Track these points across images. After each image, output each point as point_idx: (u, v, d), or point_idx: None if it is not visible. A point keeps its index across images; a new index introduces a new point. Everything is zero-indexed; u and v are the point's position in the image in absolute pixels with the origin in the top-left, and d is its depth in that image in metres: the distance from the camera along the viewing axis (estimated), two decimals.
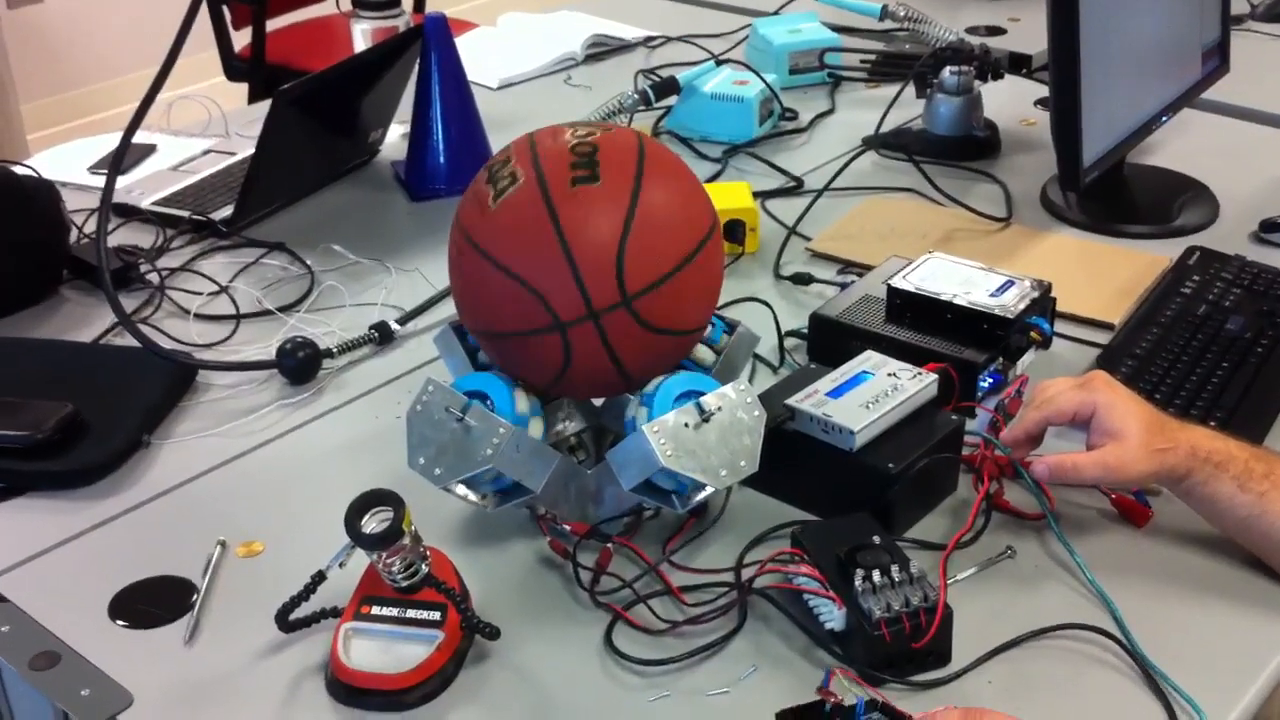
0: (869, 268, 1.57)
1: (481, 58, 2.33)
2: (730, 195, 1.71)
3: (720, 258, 1.17)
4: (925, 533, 1.18)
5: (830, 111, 2.13)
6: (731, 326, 1.24)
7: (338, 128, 1.88)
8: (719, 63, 2.05)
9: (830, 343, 1.42)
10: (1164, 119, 1.77)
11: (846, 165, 1.78)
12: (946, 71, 1.95)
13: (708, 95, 1.99)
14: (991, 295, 1.41)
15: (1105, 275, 1.61)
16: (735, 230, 1.67)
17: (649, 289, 1.08)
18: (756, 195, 1.80)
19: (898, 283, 1.44)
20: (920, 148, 1.94)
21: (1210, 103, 2.05)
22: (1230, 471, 1.11)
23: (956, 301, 1.40)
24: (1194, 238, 1.70)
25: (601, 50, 2.37)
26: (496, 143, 1.84)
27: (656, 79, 2.00)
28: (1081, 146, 1.58)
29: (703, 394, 1.10)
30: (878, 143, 1.95)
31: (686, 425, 1.08)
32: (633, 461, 1.09)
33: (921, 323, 1.41)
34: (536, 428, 1.13)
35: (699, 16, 2.56)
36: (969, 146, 1.94)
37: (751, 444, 1.10)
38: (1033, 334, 1.41)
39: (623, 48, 2.38)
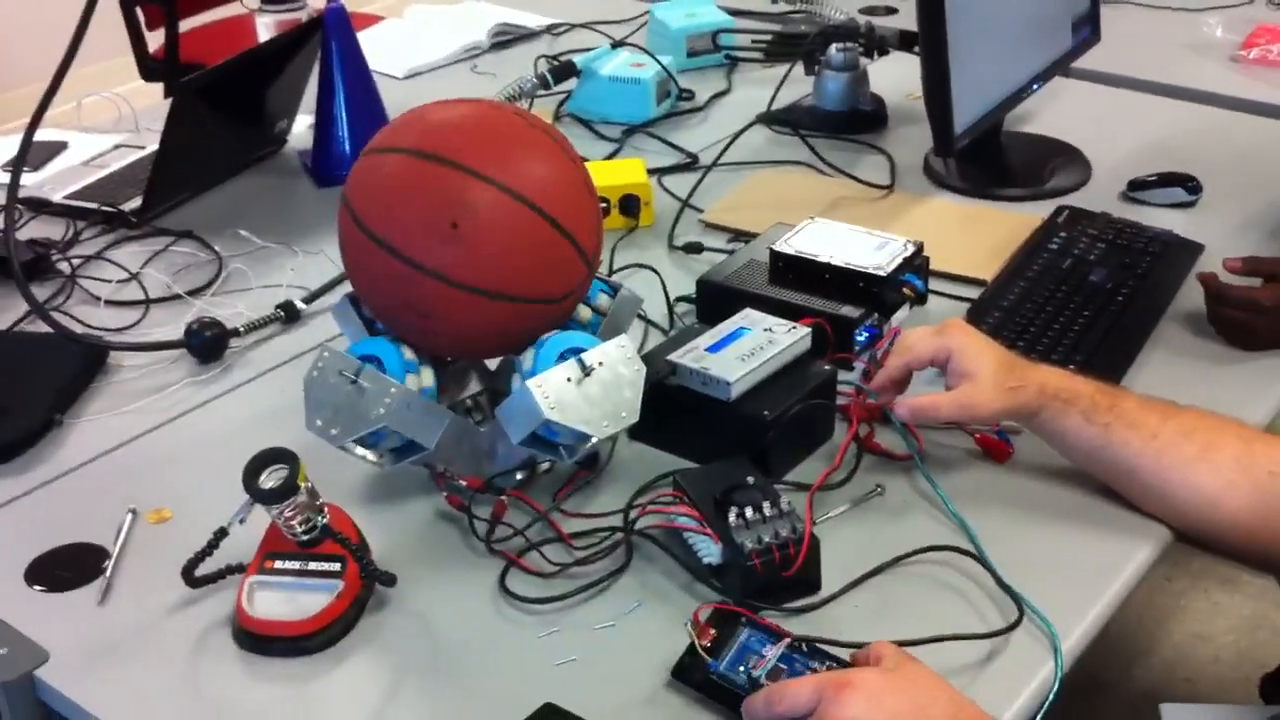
0: (758, 236, 1.64)
1: (389, 49, 2.38)
2: (625, 172, 1.78)
3: (597, 229, 1.24)
4: (802, 475, 1.26)
5: (727, 91, 2.20)
6: (615, 289, 1.31)
7: (244, 118, 1.92)
8: (615, 46, 2.11)
9: (717, 305, 1.49)
10: (1035, 87, 1.86)
11: (734, 139, 1.86)
12: (833, 49, 2.03)
13: (606, 78, 2.06)
14: (867, 256, 1.49)
15: (980, 235, 1.70)
16: (630, 204, 1.74)
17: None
18: (653, 172, 1.87)
19: (780, 247, 1.51)
20: (810, 122, 2.02)
21: (1085, 71, 2.15)
22: (1078, 406, 1.19)
23: (834, 262, 1.47)
24: (1066, 198, 1.79)
25: (506, 38, 2.43)
26: None
27: (556, 64, 2.06)
28: (952, 114, 1.66)
29: (585, 350, 1.17)
30: (770, 119, 2.03)
31: (569, 380, 1.15)
32: (519, 415, 1.15)
33: (803, 283, 1.48)
34: (428, 376, 1.19)
35: (602, 3, 2.62)
36: (857, 120, 2.03)
37: (632, 396, 1.17)
38: (906, 290, 1.49)
39: (527, 35, 2.45)
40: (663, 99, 2.09)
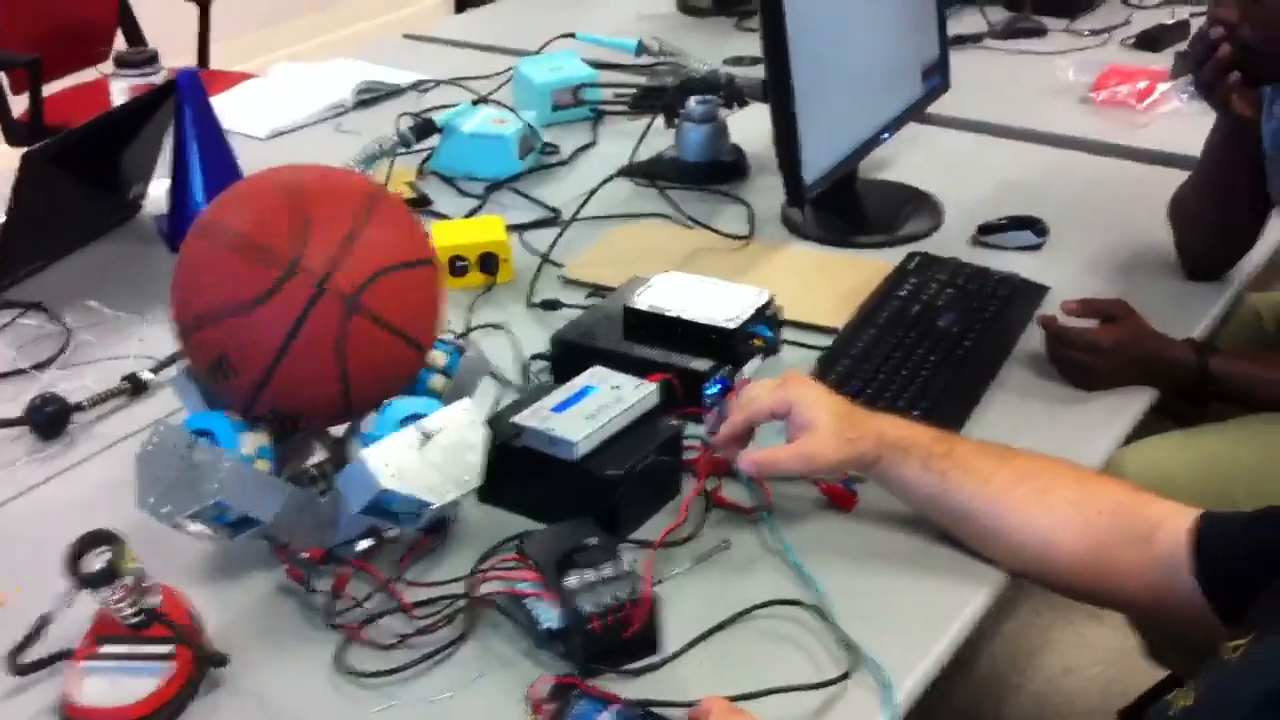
0: (615, 290, 1.65)
1: (252, 109, 2.37)
2: (484, 230, 1.78)
3: (435, 286, 1.23)
4: (650, 532, 1.26)
5: (592, 144, 2.22)
6: (461, 350, 1.31)
7: (97, 184, 1.89)
8: (477, 103, 2.12)
9: (572, 363, 1.48)
10: (886, 135, 1.90)
11: (593, 194, 1.87)
12: (692, 102, 2.05)
13: (467, 135, 2.06)
14: (718, 309, 1.50)
15: (834, 283, 1.72)
16: (488, 262, 1.74)
17: (373, 277, 1.14)
18: (515, 228, 1.87)
19: (633, 302, 1.52)
20: (672, 174, 2.04)
21: (941, 116, 2.20)
22: (915, 454, 1.21)
23: (685, 317, 1.48)
24: (919, 244, 1.83)
25: (372, 96, 2.42)
26: None
27: (417, 122, 2.05)
28: (802, 166, 1.69)
29: (426, 415, 1.16)
30: (632, 171, 2.05)
31: (409, 446, 1.14)
32: (357, 484, 1.14)
33: (656, 338, 1.49)
34: (264, 460, 1.18)
35: (469, 59, 2.62)
36: (717, 171, 2.05)
37: (475, 460, 1.17)
38: (756, 341, 1.50)
39: (393, 93, 2.44)
40: (526, 154, 2.09)
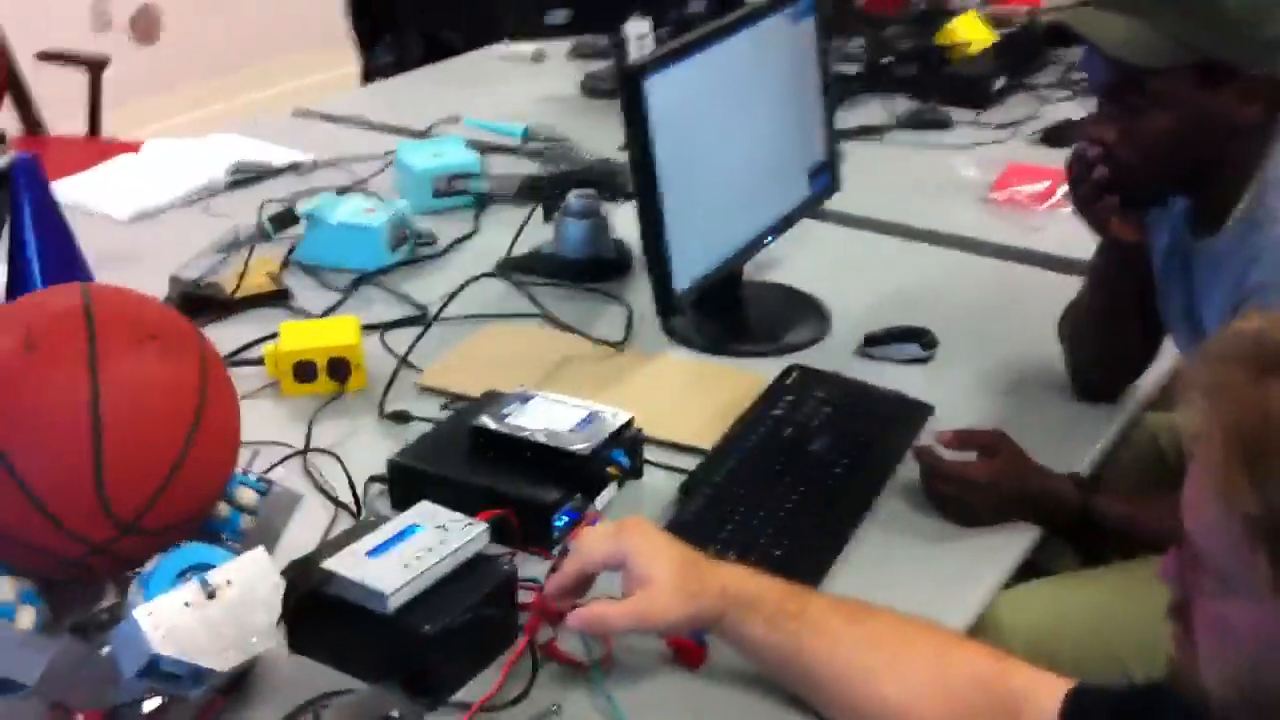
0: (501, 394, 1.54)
1: (119, 187, 2.25)
2: (335, 332, 1.66)
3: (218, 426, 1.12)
4: (474, 692, 1.14)
5: (472, 235, 2.11)
6: (268, 486, 1.19)
7: None
8: (342, 192, 2.00)
9: (411, 489, 1.37)
10: (769, 240, 1.80)
11: (456, 292, 1.77)
12: (571, 196, 1.95)
13: (334, 224, 1.95)
14: (572, 430, 1.39)
15: (709, 397, 1.62)
16: (337, 369, 1.62)
17: (141, 513, 1.03)
18: (376, 327, 1.76)
19: (482, 421, 1.41)
20: (550, 270, 1.94)
21: (838, 214, 2.12)
22: (761, 612, 1.10)
23: (535, 439, 1.37)
24: (803, 354, 1.74)
25: (246, 177, 2.30)
26: (117, 279, 1.76)
27: (281, 209, 1.94)
28: (672, 276, 1.59)
29: (211, 567, 1.04)
30: (509, 267, 1.95)
31: (187, 604, 1.01)
32: (128, 646, 1.01)
33: (504, 462, 1.38)
34: (28, 617, 1.05)
35: (358, 138, 2.52)
36: (598, 268, 1.95)
37: (266, 619, 1.05)
38: (610, 469, 1.39)
39: (269, 173, 2.32)
40: (399, 245, 1.98)
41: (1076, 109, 2.62)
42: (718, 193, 1.67)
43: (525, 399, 1.45)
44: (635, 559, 1.11)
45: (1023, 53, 2.77)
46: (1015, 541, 1.39)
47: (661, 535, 1.15)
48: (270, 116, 2.81)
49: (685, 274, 1.62)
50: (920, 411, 1.59)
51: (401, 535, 1.19)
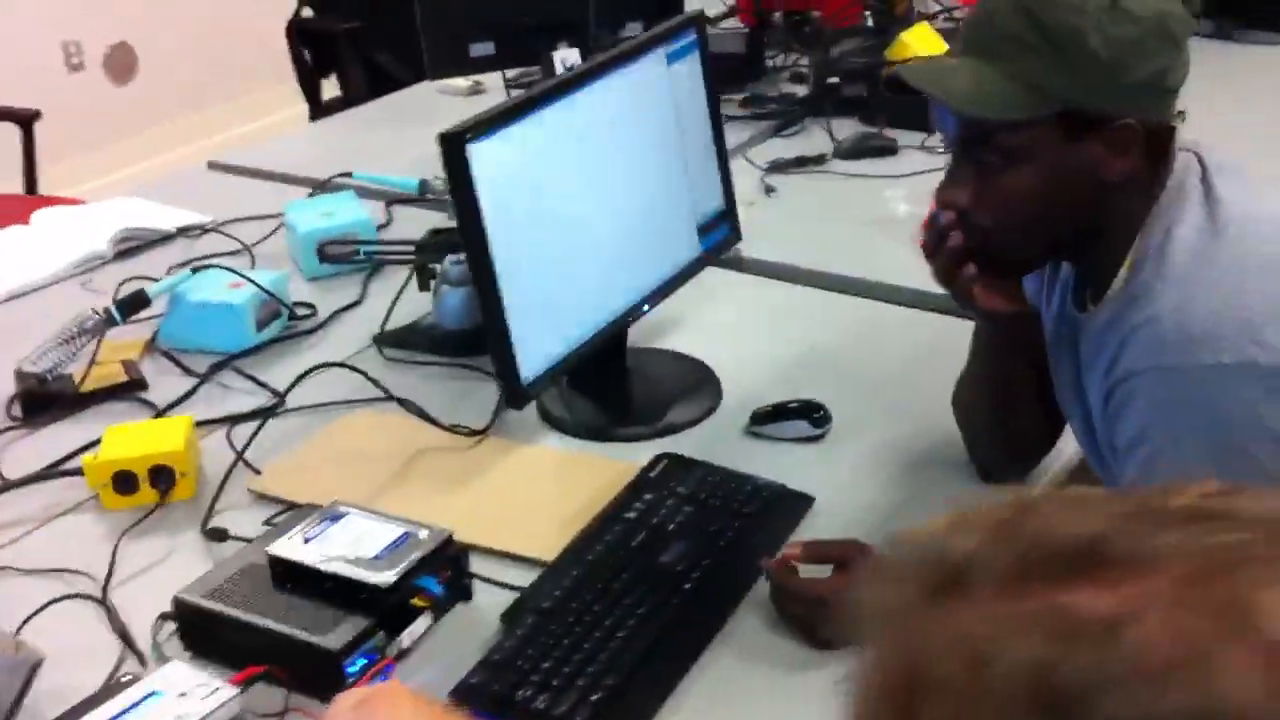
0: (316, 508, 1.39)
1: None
2: (161, 435, 1.52)
3: None
4: None
5: (357, 304, 1.96)
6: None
7: None
8: (196, 270, 1.86)
9: (202, 629, 1.23)
10: (645, 309, 1.64)
11: (303, 377, 1.63)
12: (448, 260, 1.80)
13: (194, 303, 1.81)
14: (377, 556, 1.24)
15: (569, 494, 1.46)
16: (160, 477, 1.47)
17: None
18: (223, 421, 1.62)
19: (279, 548, 1.26)
20: (429, 344, 1.78)
21: (756, 262, 1.96)
22: None
23: (331, 569, 1.23)
24: (688, 434, 1.58)
25: (132, 245, 2.17)
26: None
27: (131, 293, 1.80)
28: (516, 364, 1.43)
29: None
30: (384, 341, 1.80)
31: None
32: None
33: (302, 595, 1.23)
34: None
35: (270, 192, 2.37)
36: (479, 340, 1.78)
37: None
38: (418, 600, 1.24)
39: (158, 240, 2.19)
40: (268, 322, 1.84)
41: None
42: (574, 266, 1.51)
43: (336, 516, 1.30)
44: None
45: None
46: None
47: (415, 700, 0.99)
48: (190, 169, 2.68)
49: (538, 358, 1.46)
50: (799, 505, 1.42)
51: (137, 705, 1.05)
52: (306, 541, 1.26)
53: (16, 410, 1.69)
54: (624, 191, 1.57)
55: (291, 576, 1.24)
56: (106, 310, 1.75)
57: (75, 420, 1.68)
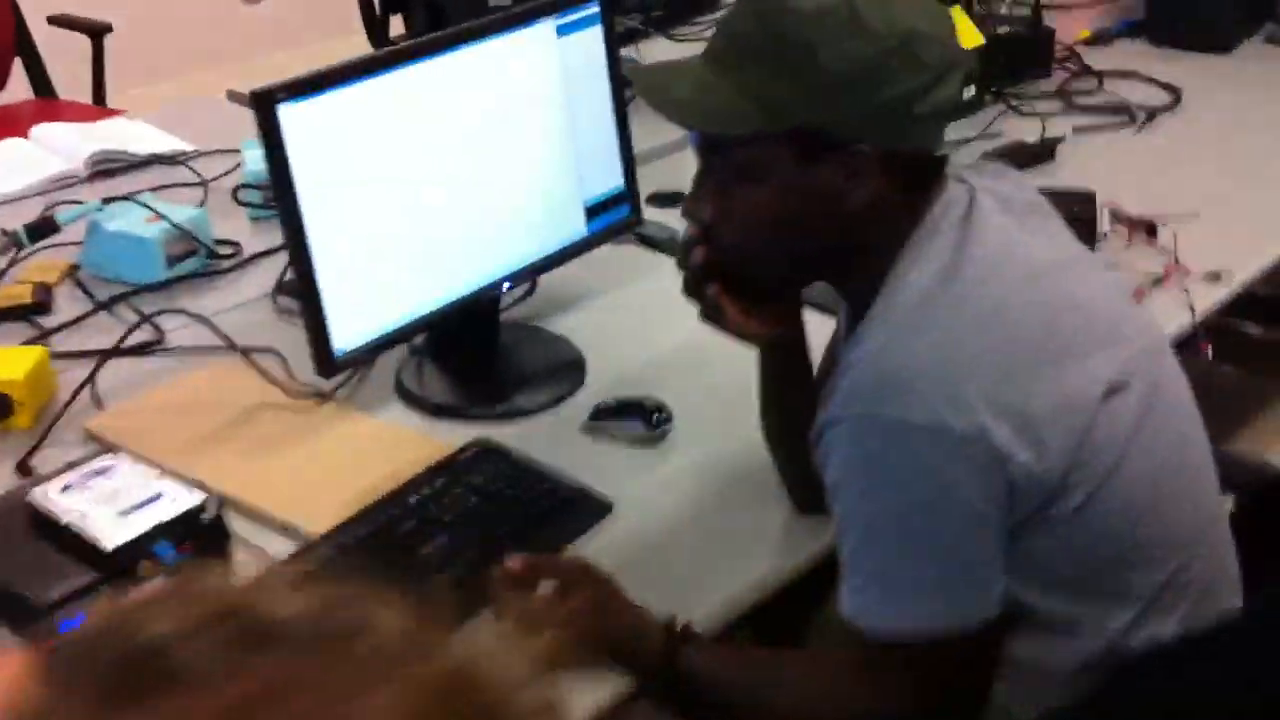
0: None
1: None
2: (10, 362, 1.54)
3: None
4: None
5: (284, 248, 1.95)
6: None
7: None
8: (107, 202, 1.87)
9: None
10: (505, 287, 1.59)
11: (139, 325, 1.63)
12: None
13: (109, 233, 1.84)
14: (124, 512, 1.24)
15: (369, 470, 1.42)
16: (2, 404, 1.50)
17: None
18: (98, 354, 1.64)
19: (36, 494, 1.27)
20: None
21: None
22: None
23: (67, 521, 1.23)
24: (530, 420, 1.54)
25: (110, 167, 2.21)
26: None
27: (38, 218, 1.82)
28: (328, 334, 1.41)
29: None
30: (282, 290, 1.80)
31: None
32: None
33: (46, 544, 1.25)
34: None
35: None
36: None
37: None
38: (146, 565, 1.23)
39: (136, 165, 2.22)
40: (182, 257, 1.85)
41: (1064, 126, 2.28)
42: (402, 239, 1.46)
43: (105, 468, 1.31)
44: None
45: (1013, 59, 2.42)
46: (592, 693, 1.16)
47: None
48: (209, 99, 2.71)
49: (354, 328, 1.43)
50: (594, 510, 1.37)
51: None
52: (65, 490, 1.27)
53: None
54: (474, 167, 1.52)
55: (37, 524, 1.25)
56: (14, 233, 1.78)
57: None
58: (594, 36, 1.60)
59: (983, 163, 1.14)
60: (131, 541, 1.21)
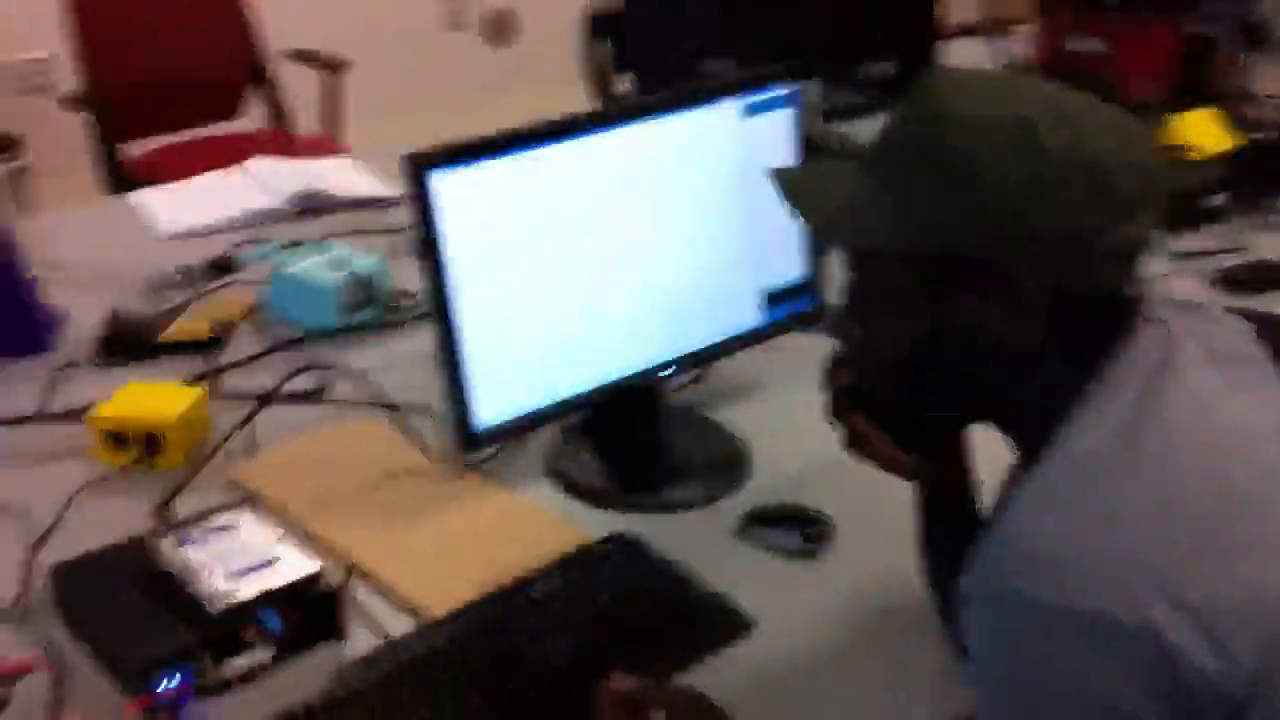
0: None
1: (191, 201, 2.23)
2: (168, 402, 1.53)
3: None
4: None
5: None
6: None
7: None
8: (286, 247, 1.86)
9: (78, 605, 1.23)
10: (669, 373, 1.49)
11: (291, 376, 1.59)
12: None
13: (289, 277, 1.82)
14: (237, 573, 1.19)
15: (502, 552, 1.34)
16: (151, 443, 1.49)
17: None
18: (255, 399, 1.62)
19: (155, 545, 1.24)
20: None
21: None
22: None
23: (186, 586, 1.19)
24: (684, 517, 1.43)
25: (312, 206, 2.22)
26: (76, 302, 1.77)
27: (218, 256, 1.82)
28: (469, 410, 1.34)
29: None
30: None
31: None
32: None
33: (156, 597, 1.20)
34: None
35: None
36: None
37: None
38: (249, 635, 1.17)
39: (338, 207, 2.22)
40: (360, 306, 1.82)
41: None
42: (558, 317, 1.38)
43: (230, 524, 1.26)
44: None
45: (1272, 164, 2.21)
46: None
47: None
48: None
49: (499, 406, 1.36)
50: (734, 626, 1.25)
51: None
52: (185, 543, 1.23)
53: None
54: (641, 246, 1.43)
55: (152, 575, 1.22)
56: (187, 269, 1.78)
57: (149, 367, 1.73)
58: (783, 117, 1.50)
59: (1190, 302, 0.97)
60: (237, 606, 1.16)
